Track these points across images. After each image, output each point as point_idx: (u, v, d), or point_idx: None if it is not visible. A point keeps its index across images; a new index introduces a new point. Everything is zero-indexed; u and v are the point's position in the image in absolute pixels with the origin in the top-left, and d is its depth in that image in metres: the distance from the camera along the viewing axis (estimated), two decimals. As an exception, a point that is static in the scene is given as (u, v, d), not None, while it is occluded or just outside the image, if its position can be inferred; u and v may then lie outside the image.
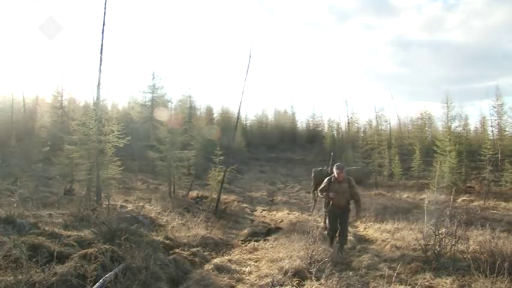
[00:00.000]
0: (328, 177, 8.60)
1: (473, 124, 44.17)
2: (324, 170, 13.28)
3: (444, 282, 5.89)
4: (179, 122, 20.75)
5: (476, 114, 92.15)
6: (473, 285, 5.27)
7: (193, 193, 17.38)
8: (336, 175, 8.27)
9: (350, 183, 8.35)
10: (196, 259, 7.30)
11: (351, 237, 9.21)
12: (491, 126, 33.67)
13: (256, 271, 6.66)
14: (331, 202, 8.34)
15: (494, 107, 33.01)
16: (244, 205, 16.40)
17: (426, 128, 43.14)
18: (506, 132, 31.54)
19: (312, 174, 14.14)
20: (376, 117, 41.97)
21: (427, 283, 6.00)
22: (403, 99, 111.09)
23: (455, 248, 6.93)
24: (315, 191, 12.89)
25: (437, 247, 6.92)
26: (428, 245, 7.15)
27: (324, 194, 8.49)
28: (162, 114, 21.83)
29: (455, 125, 31.93)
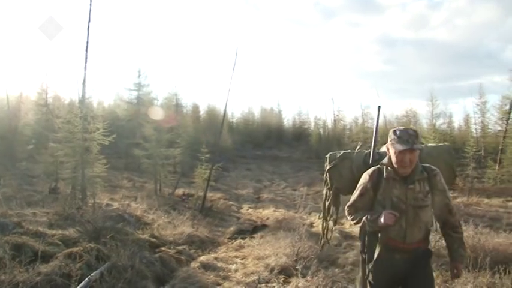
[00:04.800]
0: (372, 168, 3.25)
1: (458, 122, 44.64)
2: (356, 153, 3.92)
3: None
4: (172, 120, 20.71)
5: (460, 112, 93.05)
6: (456, 280, 5.32)
7: (180, 191, 17.33)
8: (394, 159, 3.03)
9: (433, 182, 3.10)
10: (183, 257, 7.28)
11: (336, 234, 9.21)
12: (475, 123, 34.00)
13: (242, 269, 6.67)
14: (380, 236, 3.12)
15: (477, 105, 33.30)
16: (231, 203, 16.40)
17: (411, 126, 43.37)
18: (489, 130, 31.77)
19: (327, 164, 3.94)
20: (362, 115, 42.20)
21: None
22: (388, 97, 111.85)
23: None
24: (334, 206, 4.06)
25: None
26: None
27: (362, 216, 3.14)
28: (156, 113, 21.70)
29: (439, 122, 32.15)
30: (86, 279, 4.99)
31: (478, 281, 5.43)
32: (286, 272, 6.29)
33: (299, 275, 6.06)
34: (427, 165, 3.13)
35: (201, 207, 13.64)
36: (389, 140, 3.04)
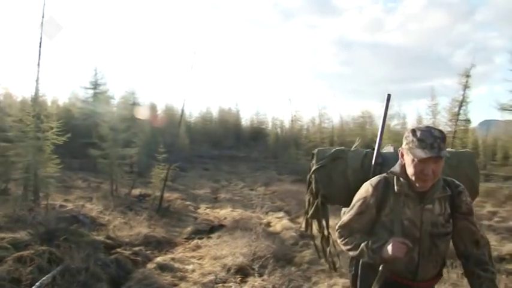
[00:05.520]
0: (377, 178, 2.41)
1: (411, 122, 45.70)
2: (353, 152, 3.04)
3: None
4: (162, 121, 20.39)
5: (413, 113, 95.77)
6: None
7: (136, 191, 17.08)
8: (412, 170, 2.21)
9: (457, 203, 2.35)
10: (139, 258, 7.19)
11: (293, 233, 9.32)
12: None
13: (199, 269, 6.65)
14: (381, 270, 2.32)
15: (429, 106, 34.14)
16: (188, 203, 16.27)
17: (367, 126, 44.27)
18: (440, 130, 32.81)
19: (314, 163, 3.02)
20: (319, 115, 42.69)
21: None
22: (345, 98, 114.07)
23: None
24: (318, 218, 3.11)
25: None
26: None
27: (360, 242, 2.36)
28: (143, 113, 21.31)
29: (394, 123, 33.00)
30: (37, 283, 4.87)
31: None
32: (243, 272, 6.32)
33: (256, 274, 6.11)
34: (449, 178, 2.38)
35: (158, 207, 13.48)
36: (404, 142, 2.27)
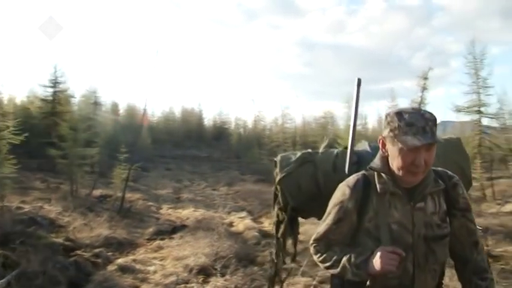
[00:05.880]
0: (355, 177, 1.99)
1: (372, 123, 46.55)
2: (322, 154, 2.66)
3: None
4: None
5: (374, 113, 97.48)
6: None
7: (97, 192, 16.79)
8: (400, 162, 1.77)
9: (453, 197, 1.95)
10: (99, 260, 7.07)
11: (256, 233, 9.36)
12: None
13: (161, 270, 6.59)
14: (369, 286, 1.92)
15: (389, 107, 35.04)
16: (150, 203, 16.10)
17: (329, 127, 44.79)
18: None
19: (278, 172, 2.63)
20: (282, 116, 42.94)
21: (327, 274, 6.26)
22: (307, 98, 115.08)
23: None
24: (289, 236, 2.82)
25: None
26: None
27: (340, 256, 1.93)
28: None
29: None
30: (-8, 288, 4.75)
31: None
32: (205, 272, 6.31)
33: (218, 274, 6.12)
34: (440, 169, 2.00)
35: (120, 208, 13.29)
36: (387, 129, 1.83)
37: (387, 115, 1.87)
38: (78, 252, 7.30)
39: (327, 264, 1.99)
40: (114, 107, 48.99)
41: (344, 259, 1.90)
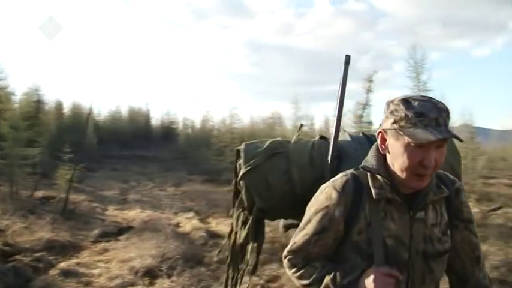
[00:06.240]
0: (344, 178, 1.62)
1: (318, 124, 47.38)
2: (295, 144, 2.27)
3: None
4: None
5: (321, 115, 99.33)
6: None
7: (39, 193, 16.27)
8: (405, 161, 1.42)
9: (456, 206, 1.64)
10: (40, 265, 6.85)
11: (203, 233, 9.33)
12: (332, 126, 36.84)
13: (106, 273, 6.48)
14: None
15: (335, 109, 35.87)
16: (95, 205, 15.75)
17: (276, 127, 45.22)
18: (345, 132, 34.48)
19: (242, 164, 2.21)
20: (230, 116, 43.00)
21: (274, 273, 6.36)
22: (255, 99, 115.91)
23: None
24: (253, 241, 2.34)
25: (283, 239, 7.35)
26: (275, 237, 7.54)
27: (322, 274, 1.60)
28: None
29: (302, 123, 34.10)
30: None
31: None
32: (151, 274, 6.26)
33: (165, 275, 6.09)
34: (441, 172, 1.65)
35: (63, 210, 12.93)
36: (390, 119, 1.48)
37: (390, 102, 1.49)
38: (18, 257, 7.05)
39: (305, 282, 1.64)
40: (58, 106, 47.59)
41: (327, 278, 1.56)
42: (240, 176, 2.17)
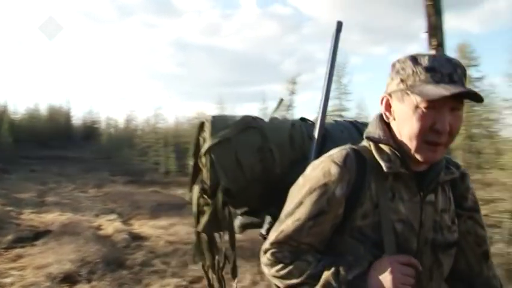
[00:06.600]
0: (344, 151, 1.32)
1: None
2: (273, 120, 1.90)
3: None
4: None
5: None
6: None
7: None
8: (416, 125, 1.19)
9: (462, 192, 1.43)
10: None
11: (126, 235, 9.14)
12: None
13: (19, 281, 6.16)
14: None
15: (260, 109, 36.39)
16: (9, 208, 14.99)
17: (195, 129, 45.28)
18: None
19: (207, 137, 1.76)
20: (154, 116, 42.56)
21: (198, 274, 6.36)
22: (180, 99, 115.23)
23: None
24: (215, 230, 1.91)
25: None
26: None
27: (320, 269, 1.29)
28: None
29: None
30: None
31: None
32: (70, 279, 6.04)
33: (84, 280, 5.91)
34: (448, 156, 1.45)
35: (-28, 215, 12.23)
36: (395, 80, 1.27)
37: (396, 62, 1.28)
38: None
39: (294, 281, 1.32)
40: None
41: (327, 274, 1.26)
42: (205, 149, 1.73)
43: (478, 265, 1.42)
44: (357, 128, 1.72)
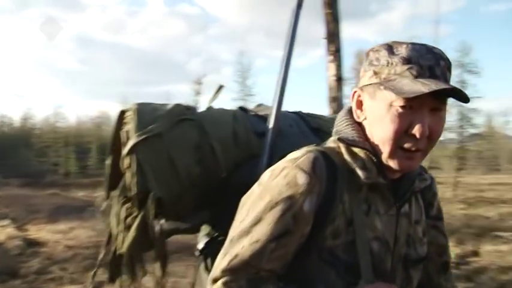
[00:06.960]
0: (311, 154, 1.03)
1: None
2: (211, 111, 1.55)
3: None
4: None
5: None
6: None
7: None
8: (392, 126, 0.96)
9: (429, 200, 1.24)
10: None
11: (20, 242, 8.61)
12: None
13: None
14: None
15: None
16: None
17: (104, 127, 44.20)
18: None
19: (133, 131, 1.36)
20: (54, 114, 40.92)
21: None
22: (82, 97, 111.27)
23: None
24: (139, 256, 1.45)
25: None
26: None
27: None
28: None
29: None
30: None
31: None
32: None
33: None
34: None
35: None
36: (368, 72, 1.04)
37: (370, 51, 1.06)
38: None
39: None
40: None
41: None
42: (129, 148, 1.36)
43: (437, 275, 1.29)
44: (304, 120, 1.51)
